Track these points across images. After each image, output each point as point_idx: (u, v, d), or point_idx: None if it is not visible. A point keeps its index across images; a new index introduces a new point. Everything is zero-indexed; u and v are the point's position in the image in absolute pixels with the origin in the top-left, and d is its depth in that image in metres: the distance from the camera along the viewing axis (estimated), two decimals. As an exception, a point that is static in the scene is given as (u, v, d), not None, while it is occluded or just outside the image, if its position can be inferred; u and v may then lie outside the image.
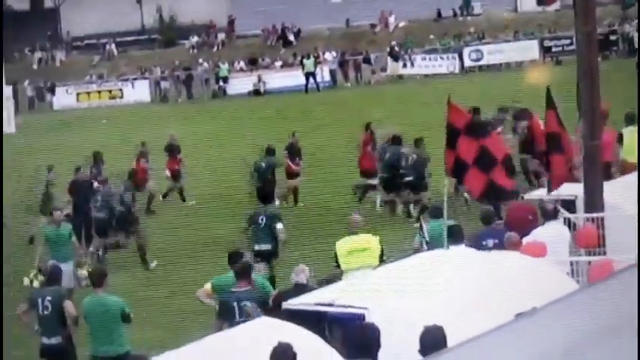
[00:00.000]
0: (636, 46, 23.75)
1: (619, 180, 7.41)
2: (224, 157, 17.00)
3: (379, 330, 4.18)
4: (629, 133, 9.54)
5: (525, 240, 6.24)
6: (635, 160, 8.88)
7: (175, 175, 14.02)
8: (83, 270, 9.03)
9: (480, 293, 4.98)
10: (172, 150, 14.26)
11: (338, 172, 13.75)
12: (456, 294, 5.00)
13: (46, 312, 6.58)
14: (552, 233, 6.20)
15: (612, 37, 25.63)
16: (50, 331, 6.60)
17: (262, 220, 8.87)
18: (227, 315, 6.23)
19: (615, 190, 6.47)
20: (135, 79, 29.97)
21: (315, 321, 5.02)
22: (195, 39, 32.39)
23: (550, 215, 6.45)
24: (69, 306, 6.61)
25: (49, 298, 6.59)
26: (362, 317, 4.87)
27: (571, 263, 6.03)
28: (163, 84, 29.71)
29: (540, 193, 7.10)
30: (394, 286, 5.32)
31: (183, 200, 13.97)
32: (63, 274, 7.38)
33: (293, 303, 5.52)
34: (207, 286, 6.77)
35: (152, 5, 33.38)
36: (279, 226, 8.83)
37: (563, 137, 6.49)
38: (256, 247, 8.77)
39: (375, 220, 10.89)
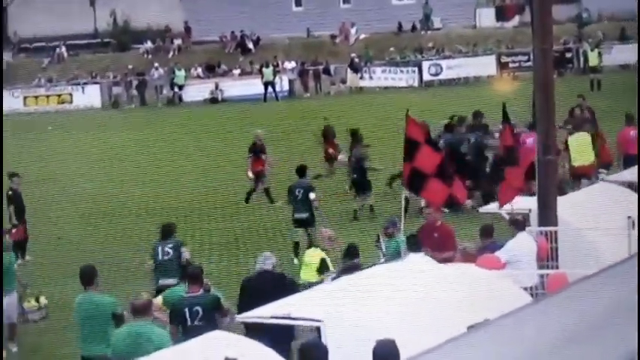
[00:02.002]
0: (590, 63, 24.59)
1: (571, 195, 7.68)
2: (176, 165, 16.89)
3: (327, 349, 4.21)
4: (575, 140, 11.17)
5: (497, 253, 6.38)
6: (583, 163, 10.78)
7: (259, 176, 13.47)
8: (31, 303, 8.63)
9: (435, 306, 5.07)
10: (257, 150, 13.58)
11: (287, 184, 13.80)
12: (411, 306, 5.08)
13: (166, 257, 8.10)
14: (521, 245, 6.37)
15: (568, 55, 26.51)
16: (167, 274, 8.03)
17: (299, 192, 10.19)
18: (179, 320, 6.28)
19: (568, 205, 6.69)
20: (86, 83, 29.46)
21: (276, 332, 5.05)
22: (149, 44, 32.08)
23: (520, 226, 6.59)
24: (185, 253, 8.14)
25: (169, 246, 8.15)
26: (317, 329, 4.90)
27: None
28: (115, 89, 29.27)
29: (494, 207, 7.28)
30: (350, 298, 5.38)
31: (271, 202, 13.28)
32: (7, 306, 7.16)
33: (249, 315, 5.52)
34: (158, 300, 6.73)
35: (106, 8, 32.94)
36: (312, 195, 10.06)
37: (518, 151, 6.69)
38: (295, 216, 10.20)
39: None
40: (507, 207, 6.61)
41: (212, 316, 6.26)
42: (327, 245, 7.46)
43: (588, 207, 6.84)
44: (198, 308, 6.26)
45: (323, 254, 7.47)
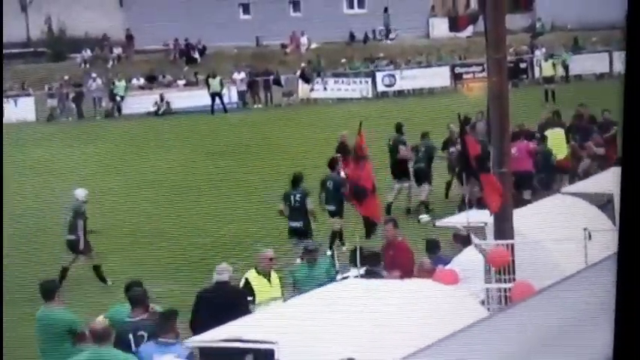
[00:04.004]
0: (544, 74, 25.45)
1: (527, 207, 7.92)
2: (118, 183, 16.62)
3: None
4: (551, 134, 12.45)
5: (443, 267, 6.52)
6: (562, 156, 12.08)
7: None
8: None
9: (393, 323, 5.13)
10: (346, 151, 12.96)
11: (238, 199, 13.76)
12: (368, 324, 5.12)
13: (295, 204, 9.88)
14: (469, 260, 6.53)
15: (522, 65, 27.38)
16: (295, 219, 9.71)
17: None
18: (123, 346, 6.17)
19: (524, 217, 6.89)
20: (18, 95, 28.71)
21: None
22: (87, 53, 31.57)
23: (464, 242, 6.79)
24: (310, 204, 9.66)
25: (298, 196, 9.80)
26: (271, 353, 4.88)
27: (486, 290, 6.34)
28: (50, 102, 28.63)
29: (453, 221, 7.44)
30: (304, 319, 5.38)
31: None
32: None
33: (198, 339, 5.47)
34: (101, 318, 6.62)
35: (40, 15, 32.29)
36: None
37: (487, 159, 6.86)
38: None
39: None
40: (463, 220, 6.77)
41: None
42: (266, 266, 7.43)
43: (545, 219, 7.06)
44: (143, 333, 6.20)
45: (251, 275, 7.40)
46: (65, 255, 10.67)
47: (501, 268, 6.23)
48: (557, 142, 12.49)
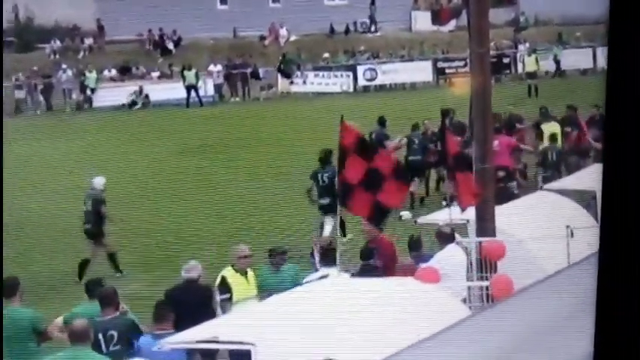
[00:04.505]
0: (527, 69, 25.68)
1: (510, 204, 8.01)
2: (84, 178, 16.46)
3: None
4: (546, 127, 13.09)
5: (424, 266, 6.58)
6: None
7: None
8: None
9: (374, 322, 5.17)
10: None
11: (213, 195, 13.71)
12: (348, 324, 5.16)
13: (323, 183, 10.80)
14: (450, 258, 6.60)
15: (505, 60, 27.61)
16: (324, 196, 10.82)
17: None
18: (93, 346, 6.12)
19: (506, 215, 6.98)
20: (-18, 86, 28.31)
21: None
22: (57, 43, 31.20)
23: (448, 239, 6.86)
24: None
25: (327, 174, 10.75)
26: (247, 354, 4.90)
27: (468, 288, 6.42)
28: (18, 93, 28.24)
29: (435, 218, 7.51)
30: (283, 319, 5.40)
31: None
32: None
33: (173, 340, 5.47)
34: (59, 320, 6.60)
35: (6, 2, 31.80)
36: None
37: (466, 157, 6.93)
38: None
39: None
40: (446, 218, 6.83)
41: (129, 340, 6.20)
42: (242, 263, 7.43)
43: (527, 216, 7.16)
44: (113, 332, 6.20)
45: (228, 273, 7.37)
46: (87, 245, 10.87)
47: (484, 266, 6.31)
48: (552, 137, 12.91)
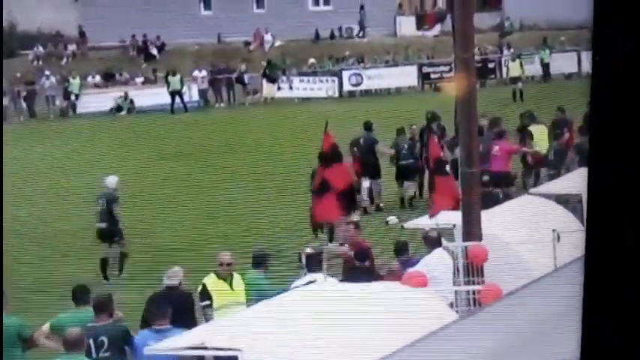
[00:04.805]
0: (511, 73, 25.90)
1: (496, 208, 8.06)
2: (71, 186, 16.36)
3: None
4: (536, 130, 13.40)
5: (411, 270, 6.61)
6: (540, 151, 13.05)
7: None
8: None
9: (357, 327, 5.17)
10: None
11: (198, 202, 13.66)
12: (336, 329, 5.15)
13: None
14: (438, 262, 6.62)
15: (490, 65, 27.82)
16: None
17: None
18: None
19: (493, 219, 7.01)
20: (-36, 93, 28.09)
21: None
22: (40, 49, 31.01)
23: (435, 243, 6.90)
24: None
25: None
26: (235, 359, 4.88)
27: (455, 292, 6.45)
28: (0, 100, 28.03)
29: (422, 222, 7.53)
30: (269, 325, 5.39)
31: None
32: None
33: (159, 347, 5.44)
34: (46, 327, 6.55)
35: (-12, 9, 31.59)
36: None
37: (447, 162, 6.98)
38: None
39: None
40: (432, 222, 6.86)
41: (120, 347, 6.19)
42: (224, 270, 7.39)
43: (513, 220, 7.20)
44: (104, 339, 6.18)
45: (209, 280, 7.34)
46: (102, 246, 10.86)
47: (470, 270, 6.34)
48: (540, 137, 13.24)
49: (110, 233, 10.87)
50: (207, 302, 7.14)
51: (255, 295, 7.14)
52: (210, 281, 7.32)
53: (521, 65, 25.92)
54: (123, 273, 10.78)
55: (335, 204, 6.72)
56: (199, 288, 7.30)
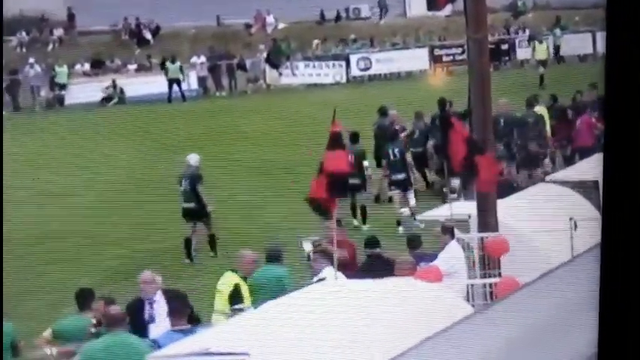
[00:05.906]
0: (539, 56, 25.94)
1: (512, 197, 8.24)
2: (57, 182, 16.55)
3: None
4: (540, 112, 13.91)
5: (425, 265, 6.82)
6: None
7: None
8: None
9: (371, 324, 5.34)
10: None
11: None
12: (349, 328, 5.32)
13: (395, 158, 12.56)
14: (453, 256, 6.83)
15: (503, 47, 27.84)
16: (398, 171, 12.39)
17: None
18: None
19: (508, 208, 7.19)
20: (-58, 84, 28.33)
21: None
22: (23, 35, 31.23)
23: (453, 233, 7.12)
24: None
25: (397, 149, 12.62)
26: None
27: (468, 286, 6.64)
28: (-18, 91, 28.26)
29: (435, 214, 7.73)
30: (278, 325, 5.55)
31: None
32: None
33: (161, 354, 5.61)
34: (47, 333, 6.75)
35: (-33, -8, 31.79)
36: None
37: (479, 141, 7.17)
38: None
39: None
40: (447, 213, 7.05)
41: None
42: (247, 269, 7.57)
43: (529, 209, 7.38)
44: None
45: (239, 280, 7.54)
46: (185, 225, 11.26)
47: (486, 263, 6.53)
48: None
49: (198, 213, 11.20)
50: (242, 305, 7.19)
51: (277, 290, 7.19)
52: (238, 281, 7.43)
53: (548, 48, 25.96)
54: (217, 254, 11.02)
55: (324, 185, 7.00)
56: (229, 289, 7.37)
